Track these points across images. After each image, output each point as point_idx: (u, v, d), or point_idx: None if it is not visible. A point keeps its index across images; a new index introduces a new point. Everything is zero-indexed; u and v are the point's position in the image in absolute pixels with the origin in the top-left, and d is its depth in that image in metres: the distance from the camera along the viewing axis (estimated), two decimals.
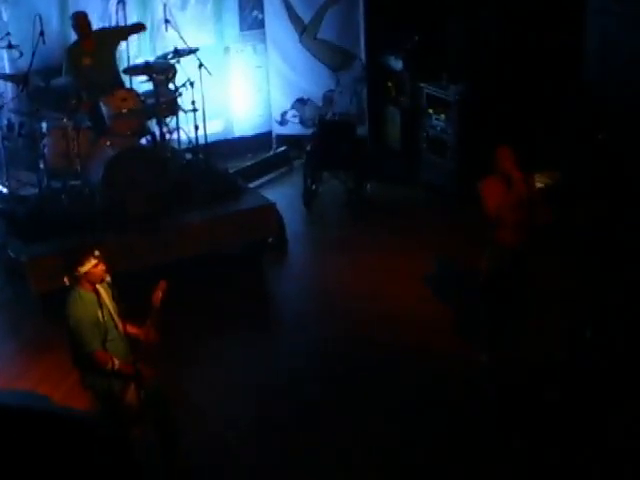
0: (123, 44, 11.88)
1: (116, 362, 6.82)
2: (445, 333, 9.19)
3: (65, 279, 6.88)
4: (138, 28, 11.79)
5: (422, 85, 12.43)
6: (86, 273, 6.80)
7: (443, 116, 12.17)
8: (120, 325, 6.88)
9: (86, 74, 10.89)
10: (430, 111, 12.35)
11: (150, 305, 6.93)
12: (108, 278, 6.95)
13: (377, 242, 11.14)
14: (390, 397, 8.31)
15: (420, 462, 7.51)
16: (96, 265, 6.83)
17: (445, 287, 9.98)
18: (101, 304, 6.82)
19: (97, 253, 6.85)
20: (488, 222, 8.31)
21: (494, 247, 8.38)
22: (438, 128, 12.28)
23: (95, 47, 11.18)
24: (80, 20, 11.27)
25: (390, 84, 13.12)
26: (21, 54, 10.95)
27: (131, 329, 7.01)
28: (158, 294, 6.96)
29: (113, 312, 6.91)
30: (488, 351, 8.59)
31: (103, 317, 6.83)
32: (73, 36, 11.69)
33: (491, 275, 8.41)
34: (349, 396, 8.38)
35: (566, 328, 8.82)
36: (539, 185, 11.57)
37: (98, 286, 6.90)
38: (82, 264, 6.80)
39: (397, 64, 12.89)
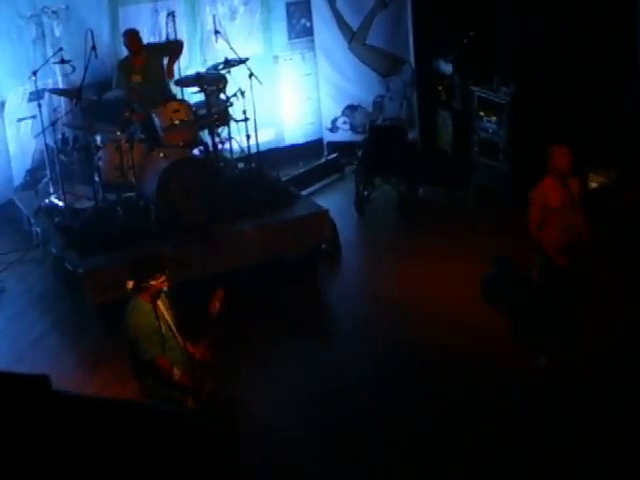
0: None
1: (177, 371, 6.83)
2: (499, 336, 9.13)
3: (129, 284, 6.88)
4: (178, 46, 11.79)
5: (473, 88, 12.37)
6: (152, 286, 6.81)
7: (494, 118, 12.10)
8: (179, 335, 6.92)
9: (137, 90, 10.99)
10: (481, 114, 12.28)
11: (207, 315, 6.95)
12: (165, 288, 6.99)
13: (430, 246, 11.10)
14: (444, 400, 8.27)
15: (472, 462, 7.47)
16: (163, 281, 6.85)
17: (501, 290, 9.91)
18: (157, 315, 6.85)
19: (168, 271, 6.85)
20: (530, 236, 8.31)
21: (543, 253, 8.33)
22: (490, 131, 12.21)
23: (145, 63, 11.29)
24: (131, 37, 11.41)
25: (440, 88, 13.08)
26: (74, 69, 11.09)
27: (187, 346, 7.04)
28: (215, 303, 6.98)
29: (171, 322, 6.94)
30: (545, 353, 8.53)
31: (161, 327, 6.85)
32: (124, 50, 11.85)
33: (543, 280, 8.37)
34: (405, 398, 8.37)
35: (620, 329, 8.75)
36: (594, 185, 11.50)
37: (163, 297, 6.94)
38: (154, 278, 6.80)
39: (447, 68, 12.85)
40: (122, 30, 12.03)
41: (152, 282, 6.78)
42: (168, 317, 6.92)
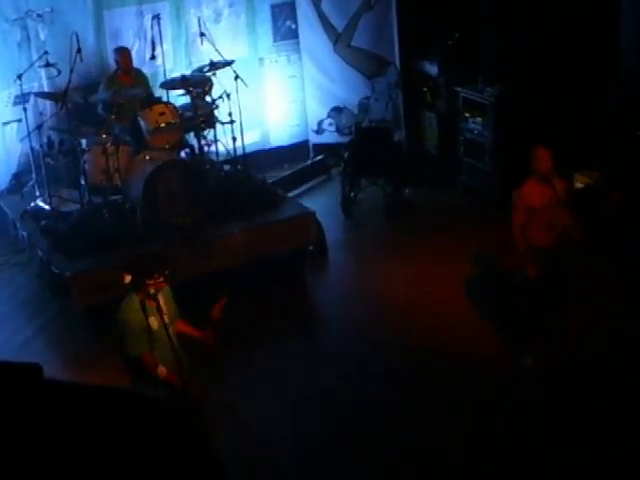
0: (159, 59, 11.99)
1: (163, 369, 6.86)
2: (485, 335, 9.16)
3: (126, 278, 6.90)
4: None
5: (458, 89, 12.40)
6: (148, 285, 6.81)
7: (480, 119, 12.14)
8: (173, 335, 6.92)
9: (122, 93, 10.97)
10: (466, 115, 12.33)
11: (209, 316, 6.97)
12: (168, 289, 7.04)
13: (417, 247, 11.14)
14: (435, 399, 8.30)
15: (472, 461, 7.51)
16: (160, 282, 6.85)
17: (486, 289, 9.96)
18: (147, 313, 6.83)
19: (161, 277, 6.84)
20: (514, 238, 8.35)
21: (532, 251, 8.36)
22: (475, 131, 12.25)
23: (131, 85, 11.32)
24: (123, 55, 11.51)
25: (426, 89, 13.10)
26: (59, 72, 11.09)
27: (187, 328, 7.13)
28: (218, 308, 7.01)
29: (167, 320, 6.92)
30: (531, 353, 8.57)
31: (150, 325, 6.84)
32: (109, 52, 11.86)
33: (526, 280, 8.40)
34: (394, 398, 8.40)
35: (607, 327, 8.79)
36: (579, 185, 11.54)
37: (160, 296, 6.92)
38: (151, 277, 6.80)
39: (432, 69, 12.87)
40: (107, 32, 12.12)
41: (149, 281, 6.79)
42: (166, 315, 6.92)
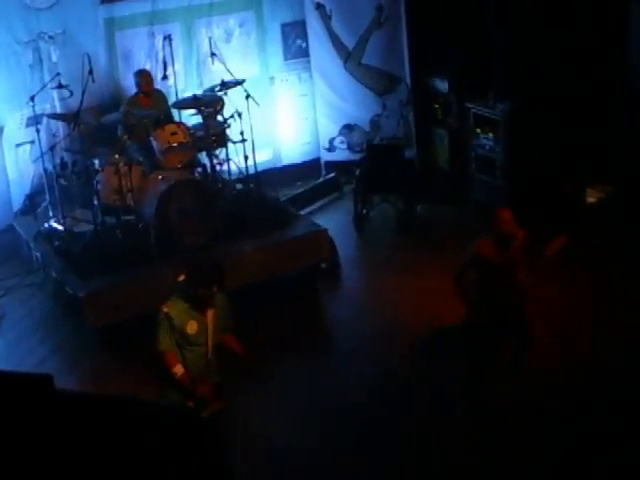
0: (171, 79, 12.06)
1: (180, 369, 6.89)
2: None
3: (180, 276, 6.99)
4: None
5: (469, 105, 12.42)
6: (199, 293, 6.87)
7: (491, 135, 12.15)
8: (211, 344, 6.98)
9: (134, 114, 11.02)
10: (478, 131, 12.34)
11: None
12: (222, 298, 7.07)
13: (429, 263, 11.12)
14: (446, 415, 8.28)
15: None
16: (211, 294, 6.89)
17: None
18: (204, 316, 6.91)
19: (216, 289, 6.88)
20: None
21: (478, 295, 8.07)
22: (486, 147, 12.26)
23: (151, 107, 11.38)
24: (144, 78, 11.58)
25: (437, 106, 13.13)
26: (71, 93, 11.13)
27: (233, 342, 7.18)
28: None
29: (211, 330, 6.97)
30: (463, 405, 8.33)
31: (194, 328, 6.91)
32: (121, 72, 11.94)
33: (476, 324, 8.11)
34: (405, 414, 8.40)
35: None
36: (591, 200, 11.52)
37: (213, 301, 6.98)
38: (204, 287, 6.85)
39: (443, 85, 12.90)
40: (119, 53, 12.23)
41: (201, 290, 6.85)
42: (211, 324, 6.95)
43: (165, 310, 6.93)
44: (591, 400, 8.27)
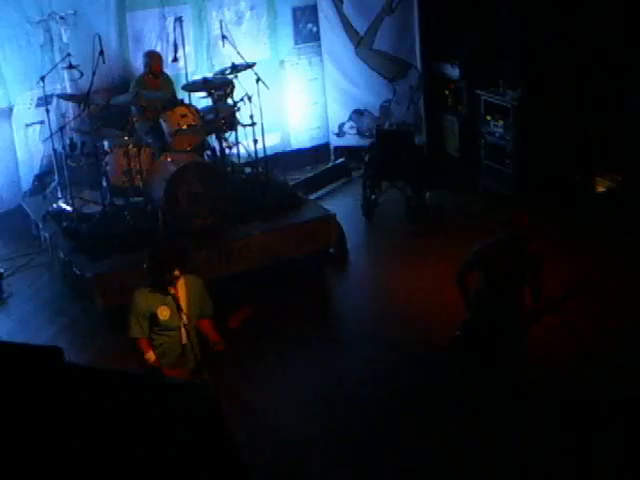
0: (181, 61, 12.05)
1: (152, 356, 6.96)
2: None
3: (145, 262, 7.03)
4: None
5: (479, 92, 12.40)
6: (162, 277, 6.95)
7: (501, 122, 12.13)
8: (189, 330, 6.99)
9: (144, 95, 11.01)
10: (488, 118, 12.31)
11: (226, 323, 7.01)
12: (194, 282, 7.10)
13: (437, 250, 11.11)
14: (452, 402, 8.28)
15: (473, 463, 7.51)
16: (172, 278, 6.93)
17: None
18: (176, 301, 6.93)
19: (177, 272, 6.92)
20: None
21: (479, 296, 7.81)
22: (496, 135, 12.24)
23: (159, 87, 11.38)
24: (154, 59, 11.56)
25: (447, 92, 13.11)
26: (81, 74, 11.13)
27: (208, 329, 7.13)
28: (237, 318, 7.03)
29: (187, 314, 6.99)
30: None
31: (166, 314, 6.96)
32: (131, 53, 11.91)
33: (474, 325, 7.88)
34: (413, 400, 8.41)
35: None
36: (600, 190, 11.48)
37: (181, 285, 7.01)
38: (166, 271, 6.90)
39: (454, 72, 12.87)
40: (130, 35, 12.21)
41: (164, 275, 6.92)
42: (184, 308, 6.97)
43: (132, 299, 7.05)
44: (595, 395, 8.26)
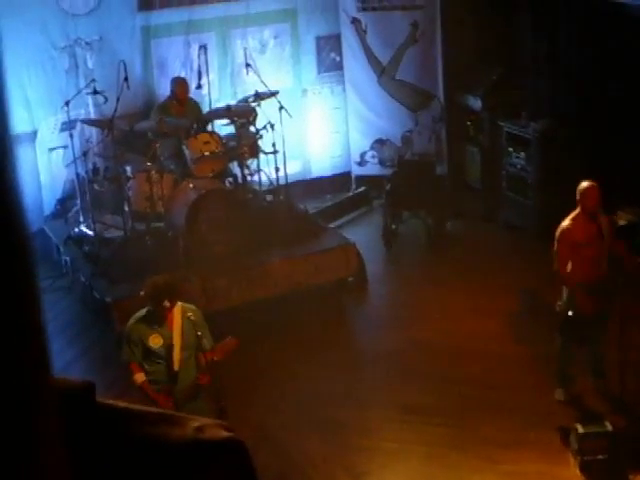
0: (205, 88, 12.12)
1: (140, 377, 7.13)
2: (521, 368, 9.13)
3: (141, 293, 7.26)
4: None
5: (501, 123, 12.40)
6: (155, 307, 7.13)
7: (523, 154, 12.11)
8: (177, 359, 7.11)
9: (167, 122, 11.08)
10: (510, 149, 12.30)
11: (210, 354, 7.03)
12: (191, 314, 7.16)
13: (457, 281, 11.09)
14: (471, 431, 8.25)
15: None
16: (163, 310, 7.09)
17: (526, 324, 9.90)
18: (168, 332, 7.10)
19: (166, 304, 7.07)
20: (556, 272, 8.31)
21: (567, 287, 8.35)
22: (518, 166, 12.22)
23: (184, 114, 11.43)
24: (180, 86, 11.61)
25: (469, 123, 13.11)
26: (106, 99, 11.19)
27: (201, 362, 7.15)
28: (222, 350, 7.07)
29: (177, 343, 7.11)
30: (563, 388, 8.53)
31: (156, 343, 7.12)
32: (155, 80, 11.98)
33: (566, 314, 8.36)
34: (431, 432, 8.36)
35: None
36: (622, 223, 11.44)
37: (177, 314, 7.11)
38: (157, 302, 7.08)
39: (476, 103, 12.88)
40: (154, 61, 12.28)
41: (155, 306, 7.12)
42: (178, 340, 7.08)
43: (128, 325, 7.30)
44: None
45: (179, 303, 7.22)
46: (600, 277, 8.29)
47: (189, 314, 7.15)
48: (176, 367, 7.13)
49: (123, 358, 7.32)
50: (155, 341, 7.12)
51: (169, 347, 7.12)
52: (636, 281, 8.36)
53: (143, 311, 7.24)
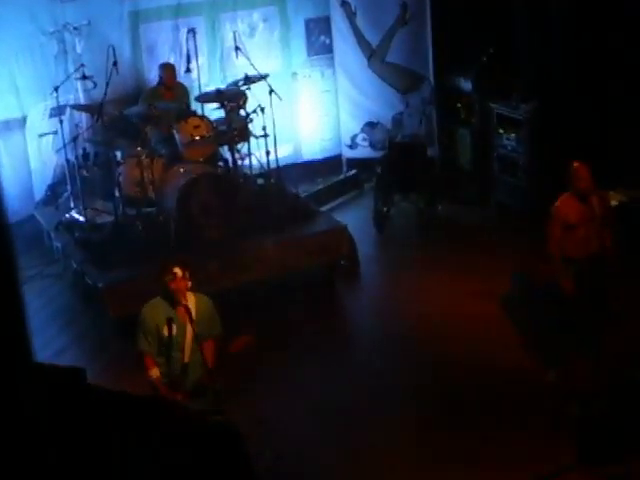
0: (194, 73, 12.08)
1: (155, 372, 7.01)
2: (514, 351, 9.14)
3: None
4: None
5: (492, 105, 12.38)
6: (167, 284, 6.95)
7: (514, 135, 12.10)
8: (188, 350, 6.99)
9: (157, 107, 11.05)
10: (500, 131, 12.30)
11: (226, 349, 7.03)
12: (204, 304, 7.10)
13: (449, 263, 11.10)
14: (461, 415, 8.27)
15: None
16: (174, 280, 6.93)
17: (519, 305, 9.91)
18: (180, 321, 6.96)
19: (176, 270, 6.95)
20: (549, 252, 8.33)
21: (567, 265, 8.35)
22: (509, 148, 12.21)
23: (173, 99, 11.40)
24: (167, 71, 11.60)
25: (459, 105, 13.09)
26: (95, 85, 11.17)
27: (207, 353, 7.06)
28: (239, 345, 7.07)
29: (189, 335, 6.98)
30: (556, 369, 8.53)
31: (161, 333, 6.99)
32: (145, 64, 11.94)
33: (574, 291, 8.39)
34: (423, 414, 8.40)
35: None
36: (614, 203, 11.45)
37: (191, 305, 7.00)
38: (169, 273, 6.96)
39: (466, 85, 12.86)
40: (143, 46, 12.24)
41: (163, 276, 6.99)
42: (189, 328, 6.97)
43: (142, 314, 7.14)
44: None
45: (192, 294, 7.11)
46: (591, 257, 8.31)
47: (200, 301, 7.12)
48: (186, 359, 7.02)
49: (139, 348, 7.11)
50: (166, 331, 6.97)
51: (182, 337, 6.99)
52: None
53: (157, 298, 7.12)
